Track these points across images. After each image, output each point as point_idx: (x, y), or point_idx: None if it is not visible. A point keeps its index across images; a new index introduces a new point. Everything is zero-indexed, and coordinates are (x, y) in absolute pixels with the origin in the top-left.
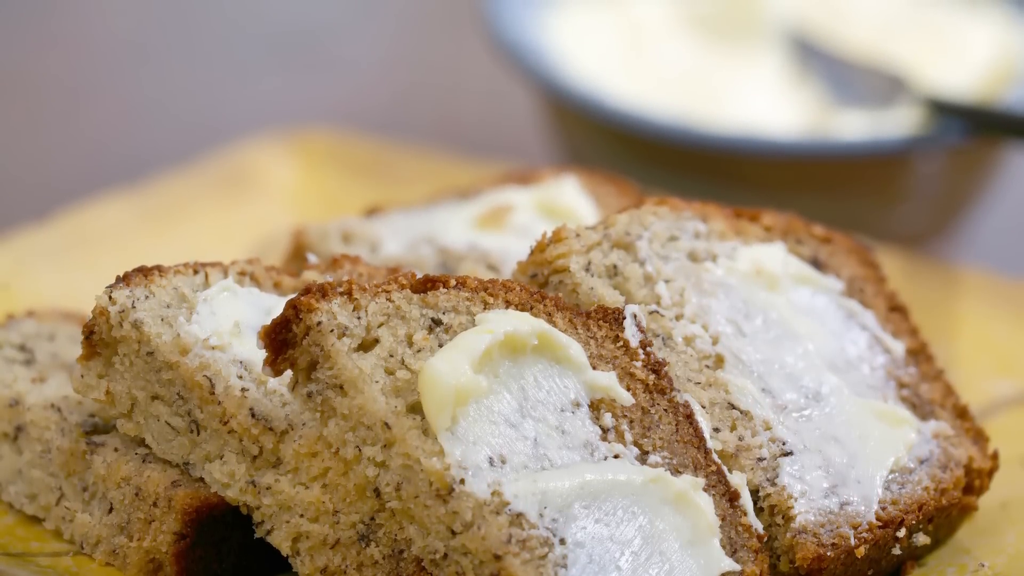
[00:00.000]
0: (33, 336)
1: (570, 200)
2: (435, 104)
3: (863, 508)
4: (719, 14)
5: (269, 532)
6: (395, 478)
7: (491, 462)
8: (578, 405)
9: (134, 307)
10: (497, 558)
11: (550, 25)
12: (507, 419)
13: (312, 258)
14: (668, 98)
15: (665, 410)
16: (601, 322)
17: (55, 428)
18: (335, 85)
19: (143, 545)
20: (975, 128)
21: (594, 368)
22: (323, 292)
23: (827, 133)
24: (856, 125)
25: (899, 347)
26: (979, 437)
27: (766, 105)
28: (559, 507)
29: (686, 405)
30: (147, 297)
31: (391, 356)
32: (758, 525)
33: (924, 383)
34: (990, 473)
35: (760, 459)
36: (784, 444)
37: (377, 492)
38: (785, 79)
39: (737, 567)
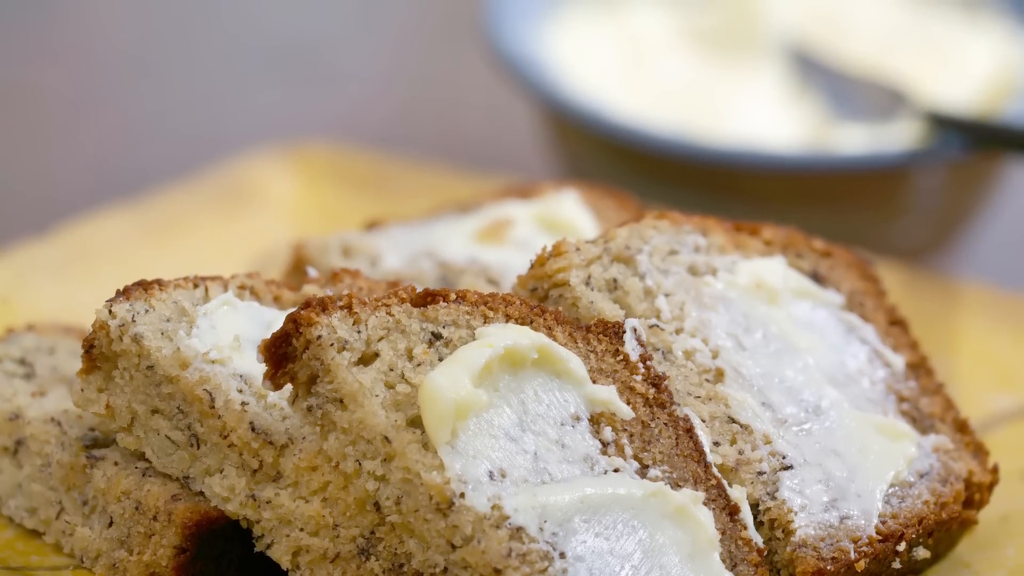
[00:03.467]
0: (33, 350)
1: (570, 214)
2: (435, 118)
3: (863, 522)
4: (719, 28)
5: (269, 546)
6: (395, 492)
7: (491, 476)
8: (578, 419)
9: (134, 321)
10: (497, 572)
11: (550, 39)
12: (507, 433)
13: (312, 272)
14: (668, 112)
15: (665, 424)
16: (601, 336)
17: (55, 442)
18: (335, 99)
19: (143, 559)
20: (975, 142)
21: (594, 382)
22: (323, 306)
23: (827, 147)
24: (856, 139)
25: (899, 361)
26: (979, 451)
27: (766, 119)
28: (559, 521)
29: (686, 419)
30: (147, 311)
31: (391, 370)
32: (758, 539)
33: (924, 397)
34: (990, 487)
35: (760, 473)
36: (784, 458)
37: (377, 506)
38: (785, 93)
39: None
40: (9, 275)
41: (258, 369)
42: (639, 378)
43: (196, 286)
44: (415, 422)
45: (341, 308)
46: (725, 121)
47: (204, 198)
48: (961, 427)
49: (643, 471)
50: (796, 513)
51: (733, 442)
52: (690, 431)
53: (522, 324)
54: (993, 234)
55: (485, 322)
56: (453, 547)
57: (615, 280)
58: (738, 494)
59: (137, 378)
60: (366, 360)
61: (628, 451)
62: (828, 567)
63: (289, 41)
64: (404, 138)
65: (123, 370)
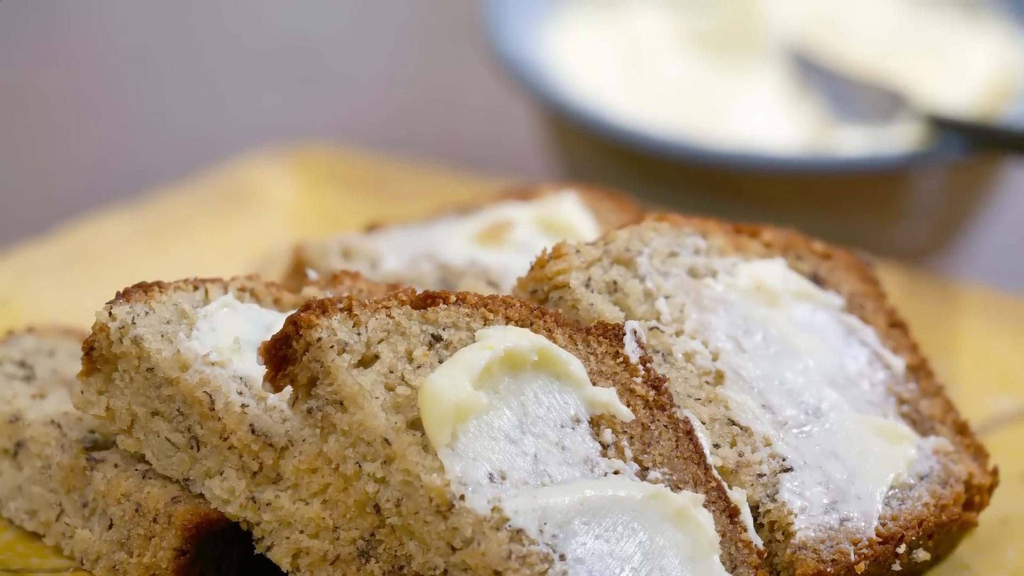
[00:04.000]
0: (33, 352)
1: (570, 216)
2: (435, 120)
3: (863, 524)
4: (719, 30)
5: (269, 548)
6: (395, 494)
7: (491, 478)
8: (578, 421)
9: (134, 323)
10: (497, 574)
11: (550, 41)
12: (507, 435)
13: (312, 274)
14: (668, 114)
15: (665, 426)
16: (601, 338)
17: (55, 444)
18: (335, 101)
19: (143, 561)
20: (975, 144)
21: (594, 384)
22: (323, 308)
23: (827, 149)
24: (856, 141)
25: (899, 363)
26: (979, 453)
27: (766, 121)
28: (559, 523)
29: (686, 421)
30: (147, 313)
31: (391, 372)
32: (758, 541)
33: (924, 399)
34: (990, 489)
35: (760, 475)
36: (784, 460)
37: (377, 508)
38: (785, 95)
39: None
40: (9, 277)
41: (258, 371)
42: (639, 380)
43: (196, 288)
44: (415, 424)
45: (341, 310)
46: (725, 123)
47: (204, 200)
48: (961, 429)
49: (643, 473)
50: (796, 515)
51: (733, 444)
52: (690, 433)
53: (522, 326)
54: (993, 236)
55: (485, 324)
56: (453, 549)
57: (615, 282)
58: (738, 496)
59: (137, 380)
60: (366, 362)
61: (628, 453)
62: (828, 569)
63: (289, 43)
64: (404, 140)
65: (123, 372)
